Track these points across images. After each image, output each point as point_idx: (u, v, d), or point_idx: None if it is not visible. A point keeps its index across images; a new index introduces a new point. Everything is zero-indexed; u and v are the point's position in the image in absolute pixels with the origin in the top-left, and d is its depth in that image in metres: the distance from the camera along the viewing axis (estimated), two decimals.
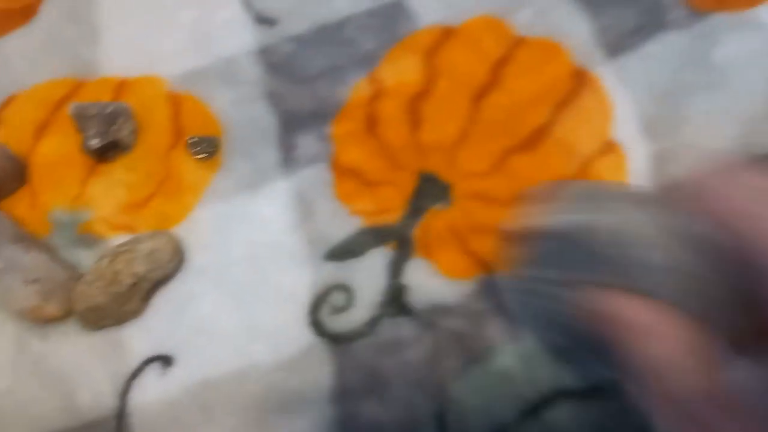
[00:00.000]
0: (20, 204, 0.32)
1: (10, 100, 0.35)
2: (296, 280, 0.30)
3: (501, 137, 0.32)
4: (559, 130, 0.32)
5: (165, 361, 0.29)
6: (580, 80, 0.33)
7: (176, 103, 0.34)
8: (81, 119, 0.33)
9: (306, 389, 0.28)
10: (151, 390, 0.28)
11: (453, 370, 0.28)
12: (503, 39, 0.34)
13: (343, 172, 0.32)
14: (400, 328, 0.29)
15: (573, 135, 0.32)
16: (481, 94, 0.33)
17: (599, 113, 0.32)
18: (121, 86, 0.35)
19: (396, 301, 0.29)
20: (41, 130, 0.34)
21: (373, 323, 0.29)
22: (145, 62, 0.35)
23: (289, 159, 0.33)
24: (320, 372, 0.28)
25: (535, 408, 0.27)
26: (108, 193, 0.32)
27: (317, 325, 0.29)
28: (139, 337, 0.29)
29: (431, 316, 0.29)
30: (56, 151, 0.33)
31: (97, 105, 0.33)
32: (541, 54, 0.34)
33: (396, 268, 0.30)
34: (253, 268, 0.30)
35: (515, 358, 0.28)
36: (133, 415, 0.28)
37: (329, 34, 0.35)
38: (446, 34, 0.34)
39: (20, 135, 0.34)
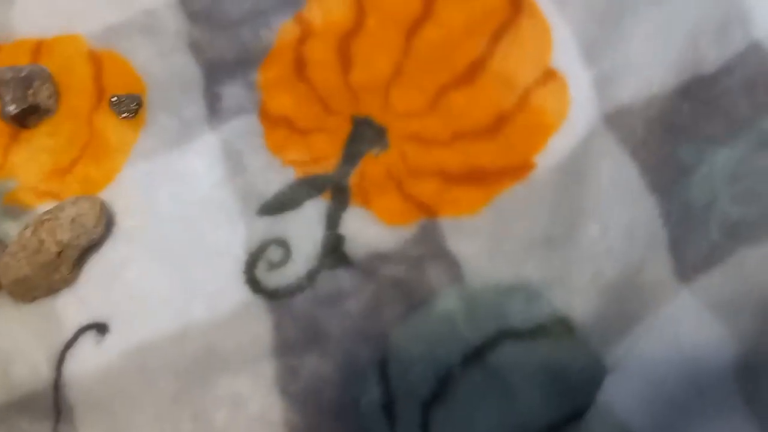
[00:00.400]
0: None
1: None
2: (230, 237, 0.29)
3: (436, 73, 0.30)
4: (496, 62, 0.31)
5: (99, 328, 0.28)
6: (516, 6, 0.31)
7: (97, 61, 0.32)
8: None
9: (245, 347, 0.27)
10: (87, 359, 0.28)
11: (395, 318, 0.27)
12: None
13: (272, 121, 0.31)
14: (340, 280, 0.28)
15: (511, 65, 0.30)
16: (413, 29, 0.31)
17: (538, 40, 0.31)
18: (39, 47, 0.33)
19: (334, 252, 0.28)
20: None
21: (311, 276, 0.28)
22: (62, 21, 0.33)
23: (215, 111, 0.31)
24: (258, 329, 0.28)
25: (479, 351, 0.27)
26: (31, 160, 0.31)
27: (254, 282, 0.28)
28: (73, 306, 0.28)
29: (371, 265, 0.28)
30: None
31: (12, 69, 0.32)
32: None
33: (332, 218, 0.29)
34: (184, 227, 0.29)
35: (457, 301, 0.27)
36: (70, 386, 0.27)
37: None
38: None
39: None
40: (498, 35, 0.31)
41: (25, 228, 0.28)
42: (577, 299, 0.27)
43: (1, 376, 0.28)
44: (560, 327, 0.27)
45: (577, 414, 0.26)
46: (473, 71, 0.31)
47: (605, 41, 0.30)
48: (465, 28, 0.31)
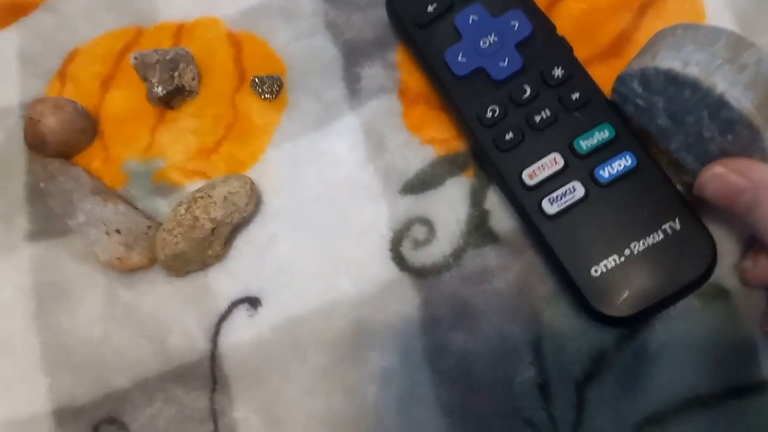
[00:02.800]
0: (94, 158, 0.33)
1: (72, 56, 0.35)
2: (374, 215, 0.29)
3: (579, 47, 0.29)
4: (642, 36, 0.30)
5: (252, 302, 0.29)
6: None
7: (237, 43, 0.33)
8: (143, 68, 0.33)
9: (394, 323, 0.28)
10: (240, 331, 0.28)
11: (546, 296, 0.27)
12: None
13: (411, 100, 0.31)
14: (486, 257, 0.28)
15: None
16: (554, 2, 0.31)
17: (687, 16, 0.30)
18: (180, 30, 0.34)
19: (479, 229, 0.28)
20: (107, 82, 0.34)
21: (457, 254, 0.28)
22: (202, 4, 0.34)
23: (355, 91, 0.31)
24: (407, 305, 0.28)
25: (631, 333, 0.26)
26: (178, 140, 0.32)
27: (400, 260, 0.28)
28: (224, 280, 0.29)
29: (518, 241, 0.28)
30: (124, 103, 0.33)
31: (158, 52, 0.33)
32: None
33: (477, 195, 0.29)
34: (329, 206, 0.30)
35: None
36: (225, 356, 0.28)
37: None
38: None
39: (87, 89, 0.34)
40: (643, 10, 0.30)
41: (179, 205, 0.29)
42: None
43: (158, 346, 0.29)
44: (715, 298, 0.26)
45: (738, 389, 0.25)
46: (618, 46, 0.30)
47: (763, 18, 0.28)
48: (609, 4, 0.30)
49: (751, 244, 0.26)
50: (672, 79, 0.23)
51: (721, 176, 0.23)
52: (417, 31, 0.29)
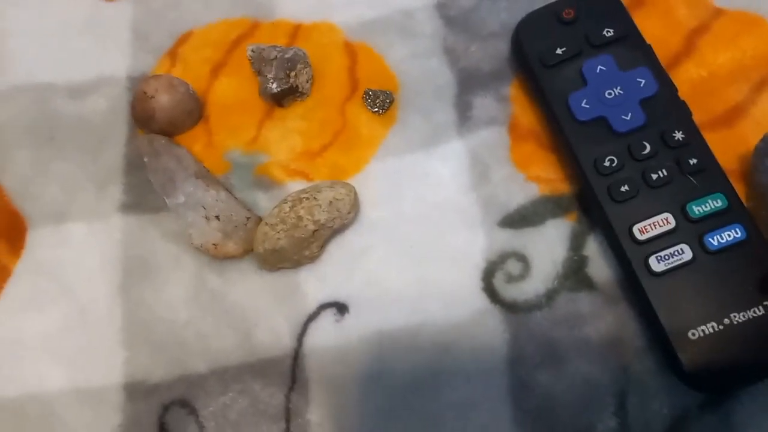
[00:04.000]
0: (196, 141, 0.33)
1: (185, 38, 0.35)
2: (469, 243, 0.30)
3: (694, 111, 0.30)
4: (758, 109, 0.30)
5: (340, 308, 0.29)
6: None
7: (352, 53, 0.34)
8: (259, 62, 0.33)
9: (480, 353, 0.28)
10: (327, 335, 0.29)
11: (636, 349, 0.27)
12: (699, 9, 0.32)
13: (520, 135, 0.31)
14: (579, 303, 0.28)
15: None
16: (673, 64, 0.31)
17: None
18: (297, 30, 0.35)
19: (576, 274, 0.29)
20: (217, 69, 0.34)
21: (550, 296, 0.28)
22: (321, 8, 0.35)
23: (465, 119, 0.32)
24: (495, 338, 0.28)
25: (717, 400, 0.27)
26: (284, 138, 0.32)
27: (491, 291, 0.29)
28: (314, 282, 0.30)
29: (614, 292, 0.28)
30: (232, 92, 0.34)
31: (276, 49, 0.33)
32: (740, 27, 0.31)
33: (577, 240, 0.29)
34: (425, 226, 0.30)
35: None
36: (308, 357, 0.28)
37: None
38: (637, 2, 0.33)
39: (197, 73, 0.34)
40: (762, 85, 0.31)
41: (284, 202, 0.30)
42: None
43: (243, 337, 0.29)
44: None
45: None
46: (732, 115, 0.30)
47: None
48: (729, 71, 0.31)
49: None
50: None
51: None
52: (542, 69, 0.30)
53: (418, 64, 0.33)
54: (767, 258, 0.26)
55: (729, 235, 0.26)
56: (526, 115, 0.32)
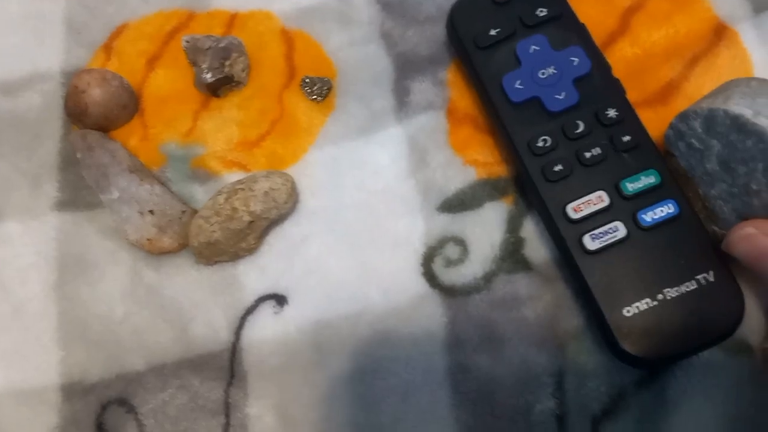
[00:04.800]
0: (132, 135, 0.32)
1: (120, 30, 0.35)
2: (409, 229, 0.29)
3: (629, 90, 0.30)
4: (690, 86, 0.30)
5: (279, 299, 0.29)
6: (718, 35, 0.31)
7: (289, 40, 0.33)
8: (194, 52, 0.33)
9: (419, 338, 0.28)
10: (265, 327, 0.28)
11: (572, 330, 0.27)
12: None
13: (458, 119, 0.31)
14: (517, 284, 0.28)
15: (705, 91, 0.30)
16: (607, 43, 0.31)
17: (736, 73, 0.30)
18: (233, 20, 0.34)
19: (513, 255, 0.29)
20: (153, 61, 0.34)
21: (488, 278, 0.28)
22: None
23: (403, 104, 0.32)
24: (433, 322, 0.28)
25: (656, 376, 0.27)
26: (220, 129, 0.32)
27: (430, 276, 0.29)
28: (253, 274, 0.29)
29: (551, 272, 0.28)
30: (168, 84, 0.33)
31: (210, 38, 0.33)
32: (674, 5, 0.32)
33: (514, 222, 0.29)
34: (365, 214, 0.30)
35: None
36: (246, 351, 0.28)
37: None
38: None
39: (132, 65, 0.34)
40: (694, 62, 0.31)
41: (219, 194, 0.29)
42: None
43: (180, 332, 0.29)
44: (739, 352, 0.27)
45: None
46: (666, 93, 0.30)
47: None
48: (663, 49, 0.31)
49: None
50: (739, 126, 0.24)
51: (752, 237, 0.24)
52: (476, 51, 0.30)
53: (356, 51, 0.33)
54: (700, 231, 0.26)
55: (662, 211, 0.26)
56: (463, 99, 0.31)
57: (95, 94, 0.31)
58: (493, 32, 0.29)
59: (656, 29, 0.31)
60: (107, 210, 0.30)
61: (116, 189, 0.30)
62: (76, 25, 0.35)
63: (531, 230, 0.29)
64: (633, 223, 0.26)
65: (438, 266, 0.29)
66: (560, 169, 0.27)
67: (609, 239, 0.26)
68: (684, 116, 0.26)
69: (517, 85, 0.29)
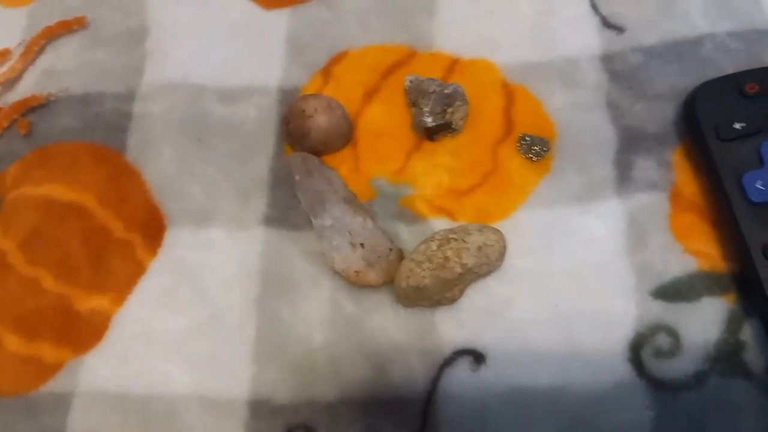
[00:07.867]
0: (343, 164, 0.33)
1: (341, 56, 0.35)
2: (620, 310, 0.29)
3: None
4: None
5: (477, 357, 0.28)
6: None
7: (510, 94, 0.33)
8: (416, 93, 0.33)
9: (622, 427, 0.27)
10: (463, 383, 0.28)
11: None
12: None
13: (682, 205, 0.30)
14: (733, 390, 0.27)
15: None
16: None
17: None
18: (454, 64, 0.34)
19: (730, 358, 0.27)
20: (371, 94, 0.34)
21: (699, 377, 0.27)
22: (480, 45, 0.35)
23: (625, 178, 0.31)
24: (639, 414, 0.27)
25: None
26: (431, 173, 0.32)
27: (638, 364, 0.28)
28: (452, 325, 0.29)
29: None
30: (383, 120, 0.34)
31: (435, 82, 0.33)
32: None
33: (734, 323, 0.28)
34: (574, 284, 0.29)
35: None
36: (440, 404, 0.28)
37: (683, 50, 0.33)
38: None
39: (349, 94, 0.34)
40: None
41: (431, 240, 0.29)
42: None
43: (377, 371, 0.29)
44: None
45: None
46: None
47: None
48: None
49: None
50: None
51: None
52: (715, 141, 0.29)
53: (579, 115, 0.32)
54: None
55: None
56: (690, 185, 0.30)
57: (321, 120, 0.32)
58: (737, 125, 0.28)
59: None
60: (312, 234, 0.31)
61: (330, 217, 0.30)
62: (297, 44, 0.36)
63: (752, 335, 0.28)
64: None
65: (647, 355, 0.28)
66: None
67: None
68: None
69: (757, 185, 0.28)
